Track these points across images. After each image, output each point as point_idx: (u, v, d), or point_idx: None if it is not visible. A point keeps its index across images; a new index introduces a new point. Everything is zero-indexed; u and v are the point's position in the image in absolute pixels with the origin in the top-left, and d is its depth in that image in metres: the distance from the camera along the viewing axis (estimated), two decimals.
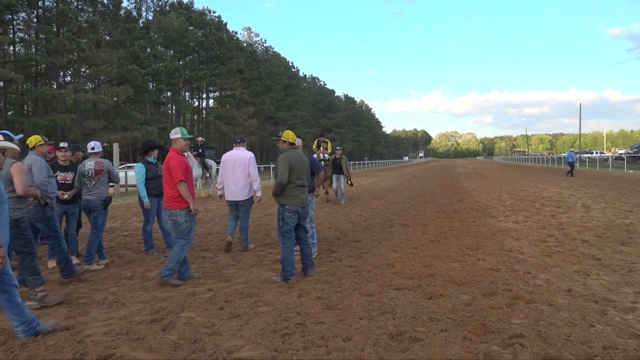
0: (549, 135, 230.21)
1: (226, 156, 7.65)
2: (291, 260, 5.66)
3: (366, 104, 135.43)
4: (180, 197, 5.62)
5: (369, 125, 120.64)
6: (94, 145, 6.89)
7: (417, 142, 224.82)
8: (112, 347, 3.73)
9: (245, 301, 4.90)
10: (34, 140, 6.09)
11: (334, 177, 14.20)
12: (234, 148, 7.65)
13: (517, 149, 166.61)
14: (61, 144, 6.83)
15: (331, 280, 5.67)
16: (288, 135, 5.99)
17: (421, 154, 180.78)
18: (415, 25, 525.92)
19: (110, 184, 7.07)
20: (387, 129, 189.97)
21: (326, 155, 14.06)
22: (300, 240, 5.99)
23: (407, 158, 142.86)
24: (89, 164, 6.70)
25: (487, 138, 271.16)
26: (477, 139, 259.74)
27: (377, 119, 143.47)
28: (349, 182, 14.66)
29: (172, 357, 3.58)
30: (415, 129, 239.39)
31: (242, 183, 7.42)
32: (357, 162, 63.98)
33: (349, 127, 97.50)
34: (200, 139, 18.48)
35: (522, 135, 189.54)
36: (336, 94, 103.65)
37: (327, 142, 14.67)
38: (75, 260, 6.77)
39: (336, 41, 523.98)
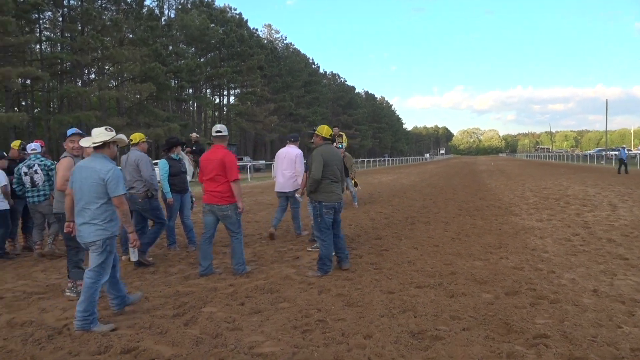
0: (574, 132, 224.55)
1: (279, 152, 8.54)
2: (330, 257, 5.82)
3: (387, 101, 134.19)
4: (230, 193, 5.73)
5: (390, 122, 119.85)
6: None
7: (438, 139, 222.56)
8: (136, 341, 3.80)
9: (266, 297, 4.93)
10: (138, 137, 6.73)
11: None
12: (286, 145, 8.54)
13: (540, 146, 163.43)
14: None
15: (352, 277, 5.66)
16: (322, 129, 5.99)
17: (442, 151, 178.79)
18: (437, 20, 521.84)
19: None
20: (408, 125, 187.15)
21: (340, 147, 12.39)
22: (334, 235, 6.00)
23: (428, 155, 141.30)
24: None
25: (510, 135, 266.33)
26: (499, 136, 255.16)
27: (398, 115, 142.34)
28: (354, 182, 12.90)
29: (194, 351, 3.62)
30: (436, 126, 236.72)
31: (288, 176, 8.25)
32: (377, 159, 63.67)
33: (370, 124, 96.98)
34: (194, 135, 15.85)
35: (546, 132, 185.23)
36: (356, 91, 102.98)
37: (342, 135, 13.04)
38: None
39: (357, 38, 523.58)
